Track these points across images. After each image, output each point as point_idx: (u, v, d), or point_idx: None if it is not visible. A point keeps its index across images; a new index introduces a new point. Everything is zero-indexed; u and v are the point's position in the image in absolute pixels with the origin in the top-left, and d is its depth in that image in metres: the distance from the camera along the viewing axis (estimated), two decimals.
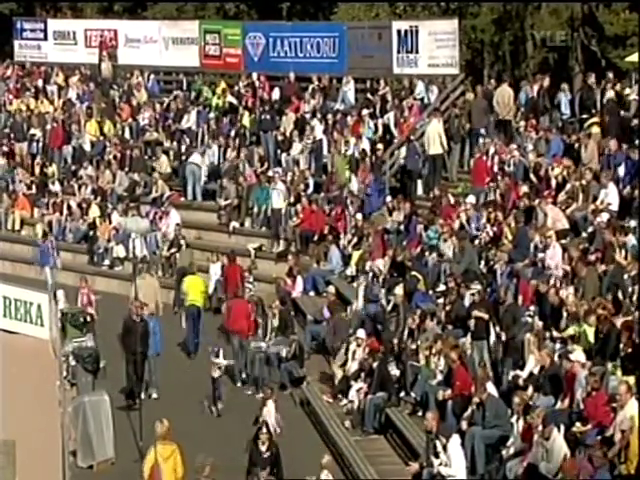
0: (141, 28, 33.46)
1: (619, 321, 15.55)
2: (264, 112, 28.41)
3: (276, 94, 29.13)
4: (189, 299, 21.82)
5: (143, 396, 18.38)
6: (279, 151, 27.60)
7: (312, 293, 22.90)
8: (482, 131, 24.63)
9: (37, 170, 30.20)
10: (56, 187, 29.38)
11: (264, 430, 15.27)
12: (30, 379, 14.26)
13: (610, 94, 22.24)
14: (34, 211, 29.33)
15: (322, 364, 20.32)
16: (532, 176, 21.54)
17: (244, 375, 19.93)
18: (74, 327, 20.36)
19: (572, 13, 31.46)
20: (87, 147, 30.37)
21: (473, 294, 17.84)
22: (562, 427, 13.80)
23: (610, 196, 19.19)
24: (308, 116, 27.69)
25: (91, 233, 27.50)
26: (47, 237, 26.16)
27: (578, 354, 15.13)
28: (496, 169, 22.67)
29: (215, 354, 18.84)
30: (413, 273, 20.15)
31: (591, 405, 13.97)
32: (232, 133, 28.57)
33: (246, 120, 28.65)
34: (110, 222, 27.36)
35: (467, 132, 24.84)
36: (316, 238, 24.11)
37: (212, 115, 29.51)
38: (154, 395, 19.11)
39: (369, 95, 27.46)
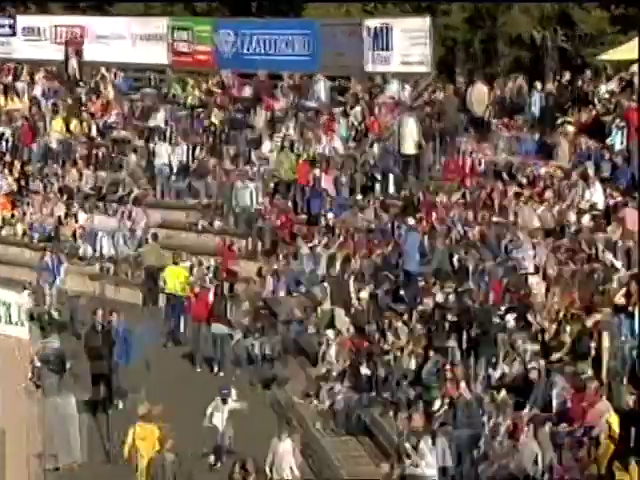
0: (109, 25, 33.35)
1: (591, 321, 15.71)
2: (235, 110, 28.40)
3: (247, 92, 29.14)
4: (167, 288, 22.31)
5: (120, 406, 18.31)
6: (250, 149, 27.61)
7: (283, 293, 22.94)
8: (455, 130, 24.76)
9: (18, 168, 30.00)
10: (36, 185, 29.21)
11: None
12: (15, 375, 14.48)
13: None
14: (15, 210, 29.06)
15: (294, 364, 20.37)
16: (504, 175, 21.68)
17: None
18: (39, 328, 20.29)
19: (544, 11, 31.70)
20: (53, 145, 30.24)
21: (448, 293, 17.93)
22: (532, 427, 13.91)
23: (596, 196, 19.35)
24: (280, 114, 27.73)
25: (57, 231, 27.39)
26: (45, 252, 25.47)
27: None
28: (468, 168, 22.80)
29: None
30: (385, 272, 20.23)
31: (575, 405, 14.09)
32: (202, 131, 28.55)
33: (216, 118, 28.64)
34: (77, 221, 27.27)
35: (439, 131, 24.95)
36: (286, 238, 24.18)
37: (182, 113, 29.47)
38: (120, 406, 18.69)
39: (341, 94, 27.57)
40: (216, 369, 20.72)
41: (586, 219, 18.47)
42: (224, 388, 16.31)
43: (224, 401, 16.13)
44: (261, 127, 27.65)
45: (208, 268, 22.70)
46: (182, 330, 22.15)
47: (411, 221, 21.43)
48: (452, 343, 17.16)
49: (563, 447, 13.59)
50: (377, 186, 24.75)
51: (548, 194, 20.04)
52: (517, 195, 20.25)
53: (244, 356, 20.34)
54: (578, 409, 13.98)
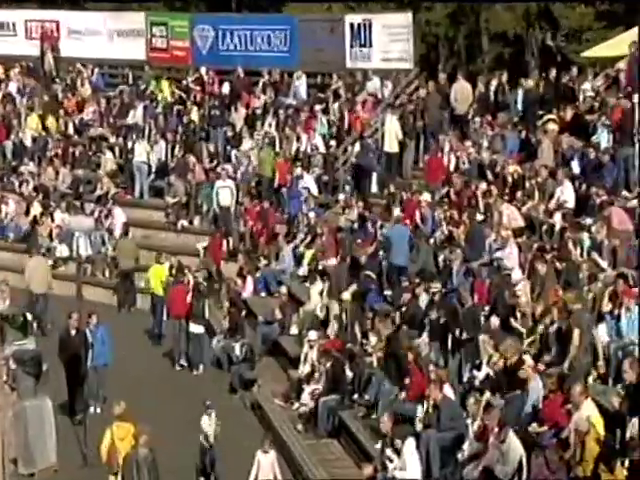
0: (84, 19, 33.22)
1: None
2: (213, 107, 28.38)
3: (226, 88, 29.11)
4: (151, 287, 22.58)
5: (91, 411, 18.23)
6: (229, 147, 27.58)
7: (263, 294, 22.94)
8: (437, 127, 24.81)
9: None
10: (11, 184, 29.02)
11: None
12: None
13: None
14: None
15: (273, 366, 20.36)
16: (488, 173, 21.75)
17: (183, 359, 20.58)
18: (14, 329, 20.17)
19: (527, 7, 31.81)
20: (28, 142, 30.09)
21: (434, 293, 17.94)
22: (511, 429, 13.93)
23: (566, 194, 19.43)
24: (259, 111, 27.72)
25: (33, 231, 27.27)
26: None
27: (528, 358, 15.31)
28: (451, 167, 22.86)
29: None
30: (367, 272, 20.25)
31: (549, 407, 14.14)
32: (180, 129, 28.50)
33: (195, 115, 28.59)
34: (53, 220, 27.15)
35: (421, 128, 25.00)
36: (267, 237, 24.17)
37: (159, 110, 29.40)
38: (97, 410, 18.55)
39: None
40: (195, 368, 20.78)
41: (557, 217, 18.53)
42: (208, 406, 16.15)
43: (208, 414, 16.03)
44: (240, 125, 27.62)
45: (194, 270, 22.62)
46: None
47: (397, 212, 21.42)
48: (437, 344, 17.18)
49: (549, 449, 13.61)
50: (360, 185, 24.79)
51: (532, 193, 20.12)
52: (501, 194, 20.30)
53: (224, 357, 20.34)
54: (564, 411, 14.02)
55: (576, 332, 15.15)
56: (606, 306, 15.70)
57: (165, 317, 22.17)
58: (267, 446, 15.30)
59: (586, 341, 15.06)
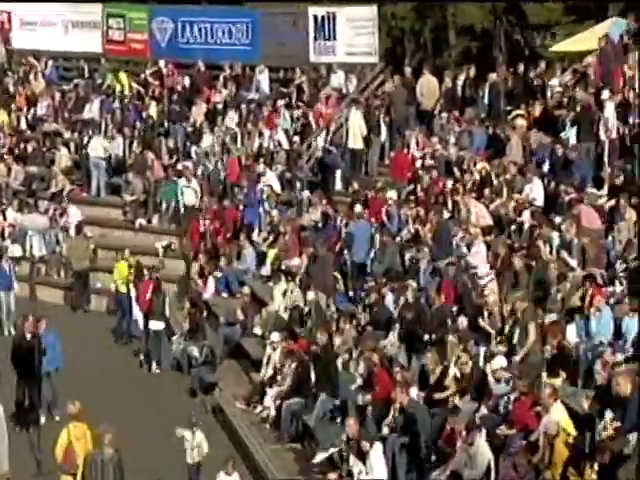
0: (39, 11, 32.96)
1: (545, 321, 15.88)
2: (172, 102, 28.27)
3: (185, 82, 29.01)
4: (116, 285, 22.67)
5: (44, 419, 18.08)
6: (189, 143, 27.49)
7: (225, 294, 22.89)
8: (403, 123, 24.88)
9: None
10: None
11: None
12: None
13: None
14: None
15: (235, 369, 20.33)
16: (455, 170, 21.84)
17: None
18: None
19: (495, 1, 31.97)
20: None
21: (399, 293, 17.98)
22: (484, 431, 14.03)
23: (535, 191, 19.55)
24: (220, 106, 27.66)
25: None
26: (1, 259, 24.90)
27: (500, 359, 15.38)
28: (418, 163, 22.93)
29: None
30: (333, 273, 20.25)
31: (519, 410, 14.22)
32: (138, 124, 28.37)
33: (153, 110, 28.47)
34: (5, 219, 26.91)
35: (387, 124, 25.06)
36: (229, 236, 24.12)
37: (116, 104, 29.25)
38: (57, 418, 18.22)
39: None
40: (155, 367, 20.84)
41: (526, 215, 18.65)
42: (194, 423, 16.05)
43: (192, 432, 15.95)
44: (200, 120, 27.55)
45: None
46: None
47: (358, 209, 21.47)
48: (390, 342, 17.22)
49: (517, 452, 13.69)
50: (324, 182, 24.80)
51: (500, 190, 20.24)
52: (468, 191, 20.38)
53: (184, 360, 20.28)
54: (522, 413, 14.11)
55: (532, 326, 15.28)
56: (576, 306, 15.82)
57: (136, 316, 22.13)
58: (230, 468, 15.18)
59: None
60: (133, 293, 22.20)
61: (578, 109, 20.50)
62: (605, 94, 20.36)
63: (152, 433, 16.64)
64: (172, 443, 16.11)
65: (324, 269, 19.95)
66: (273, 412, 17.60)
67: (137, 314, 21.88)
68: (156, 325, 20.90)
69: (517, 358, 15.22)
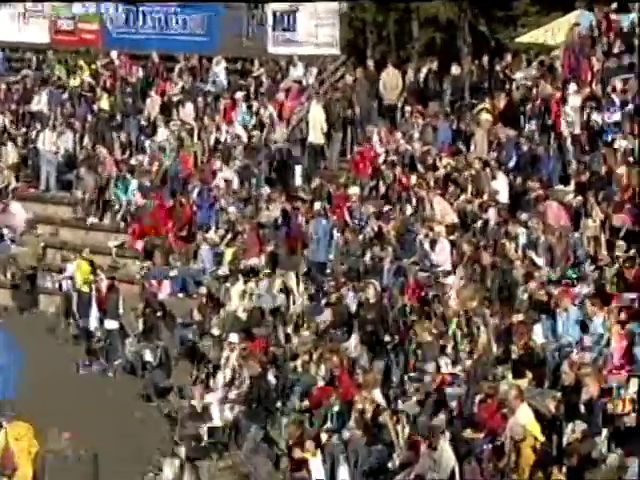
0: None
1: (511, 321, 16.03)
2: (125, 94, 28.17)
3: (139, 74, 28.92)
4: (77, 284, 22.66)
5: None
6: (143, 137, 27.42)
7: (181, 294, 22.88)
8: (365, 117, 24.97)
9: None
10: None
11: None
12: None
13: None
14: None
15: (192, 371, 20.32)
16: (419, 166, 21.97)
17: None
18: None
19: None
20: None
21: (361, 293, 18.06)
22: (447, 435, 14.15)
23: (500, 187, 19.71)
24: (175, 99, 27.60)
25: None
26: None
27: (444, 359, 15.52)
28: (380, 159, 23.03)
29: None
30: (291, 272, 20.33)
31: (485, 412, 14.35)
32: (89, 117, 28.25)
33: (105, 103, 28.36)
34: None
35: (349, 118, 25.14)
36: (185, 234, 24.10)
37: (66, 97, 29.10)
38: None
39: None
40: (107, 369, 20.87)
41: (491, 212, 18.81)
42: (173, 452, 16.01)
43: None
44: (155, 113, 27.48)
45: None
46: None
47: (318, 206, 21.54)
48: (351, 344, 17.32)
49: (483, 456, 13.82)
50: (283, 177, 24.84)
51: (458, 185, 20.40)
52: (433, 187, 20.51)
53: (138, 362, 20.23)
54: (487, 415, 14.23)
55: (483, 328, 15.46)
56: (542, 306, 15.99)
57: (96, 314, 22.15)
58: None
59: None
60: (94, 292, 22.20)
61: (539, 103, 20.67)
62: (571, 87, 20.58)
63: (103, 441, 16.59)
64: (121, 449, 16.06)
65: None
66: (230, 417, 17.59)
67: (95, 314, 21.87)
68: (110, 325, 20.86)
69: (468, 363, 15.35)
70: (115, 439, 16.82)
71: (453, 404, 14.82)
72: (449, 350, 15.86)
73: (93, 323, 21.92)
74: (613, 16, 21.49)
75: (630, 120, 18.51)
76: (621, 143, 18.12)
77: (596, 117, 19.46)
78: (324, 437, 15.33)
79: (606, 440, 12.83)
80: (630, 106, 18.91)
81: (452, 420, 14.64)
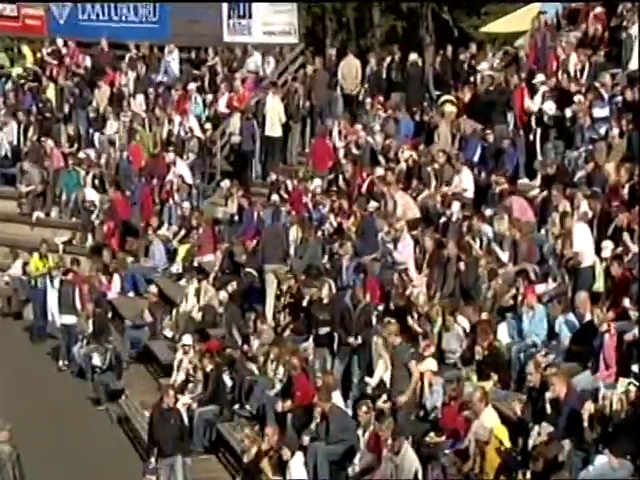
0: None
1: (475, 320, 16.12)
2: (73, 84, 28.00)
3: (87, 63, 28.76)
4: (32, 278, 22.77)
5: None
6: (91, 130, 27.28)
7: (131, 294, 22.78)
8: (325, 109, 24.99)
9: None
10: None
11: None
12: None
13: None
14: None
15: (143, 374, 20.25)
16: (381, 159, 22.02)
17: None
18: None
19: None
20: None
21: (321, 291, 18.07)
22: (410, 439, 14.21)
23: (464, 182, 19.81)
24: (125, 90, 27.48)
25: None
26: None
27: (430, 362, 15.59)
28: (340, 152, 23.06)
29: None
30: (248, 270, 20.31)
31: (448, 415, 14.42)
32: (34, 108, 28.05)
33: (51, 93, 28.18)
34: None
35: (308, 110, 25.15)
36: (112, 231, 24.02)
37: (10, 86, 28.87)
38: None
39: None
40: (62, 363, 20.91)
41: (455, 207, 18.92)
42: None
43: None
44: (104, 105, 27.35)
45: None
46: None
47: (275, 197, 21.52)
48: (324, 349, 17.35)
49: (446, 461, 13.90)
50: (240, 171, 24.81)
51: (428, 181, 20.48)
52: (395, 181, 20.56)
53: (87, 365, 20.14)
54: (450, 418, 14.31)
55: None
56: (507, 304, 16.09)
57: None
58: None
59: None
60: (49, 288, 22.14)
61: (517, 95, 20.79)
62: (538, 78, 20.71)
63: (50, 449, 16.55)
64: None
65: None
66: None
67: (53, 310, 21.83)
68: (68, 319, 20.91)
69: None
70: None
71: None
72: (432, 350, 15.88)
73: (50, 319, 21.92)
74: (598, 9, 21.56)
75: (618, 115, 18.67)
76: (614, 134, 18.20)
77: (574, 108, 19.53)
78: (306, 439, 15.33)
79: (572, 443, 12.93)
80: (619, 100, 19.06)
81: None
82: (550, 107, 19.84)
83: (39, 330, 22.44)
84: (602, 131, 18.74)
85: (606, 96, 19.17)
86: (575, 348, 14.59)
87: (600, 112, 19.03)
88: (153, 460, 15.54)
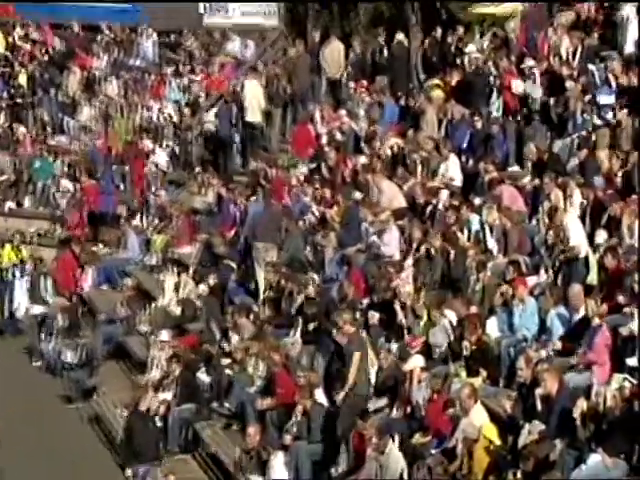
0: None
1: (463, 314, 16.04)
2: (44, 68, 27.84)
3: (59, 46, 28.63)
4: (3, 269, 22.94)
5: None
6: (63, 115, 27.15)
7: (105, 286, 22.65)
8: (307, 94, 24.89)
9: None
10: None
11: None
12: None
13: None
14: None
15: (117, 372, 20.11)
16: (365, 146, 21.93)
17: None
18: None
19: None
20: None
21: (303, 284, 17.99)
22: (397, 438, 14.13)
23: (452, 170, 19.73)
24: (99, 74, 27.36)
25: None
26: None
27: (416, 359, 15.50)
28: (323, 139, 22.97)
29: None
30: (226, 261, 20.21)
31: (432, 412, 14.34)
32: (5, 94, 27.91)
33: (23, 79, 28.05)
34: None
35: (289, 95, 25.04)
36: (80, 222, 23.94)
37: None
38: None
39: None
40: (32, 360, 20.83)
41: (443, 197, 18.85)
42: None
43: None
44: (76, 89, 27.21)
45: None
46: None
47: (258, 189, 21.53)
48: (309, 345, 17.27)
49: (433, 461, 13.83)
50: (218, 159, 24.70)
51: (414, 169, 20.41)
52: (380, 170, 20.46)
53: (58, 362, 20.03)
54: (435, 415, 14.24)
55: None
56: (497, 298, 15.99)
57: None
58: None
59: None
60: (17, 279, 22.08)
61: (507, 79, 20.71)
62: (527, 63, 20.62)
63: (18, 451, 16.46)
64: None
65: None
66: (159, 420, 17.45)
67: (21, 301, 21.76)
68: (38, 309, 20.92)
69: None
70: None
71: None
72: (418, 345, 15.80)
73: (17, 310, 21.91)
74: None
75: (617, 101, 18.61)
76: (622, 118, 18.12)
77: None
78: (287, 438, 15.23)
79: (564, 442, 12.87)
80: (613, 86, 18.99)
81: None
82: (537, 93, 19.77)
83: (6, 326, 22.33)
84: (609, 116, 18.62)
85: (614, 83, 19.05)
86: (568, 343, 14.51)
87: (606, 99, 18.91)
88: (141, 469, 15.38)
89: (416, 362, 15.36)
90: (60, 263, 22.31)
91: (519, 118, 20.33)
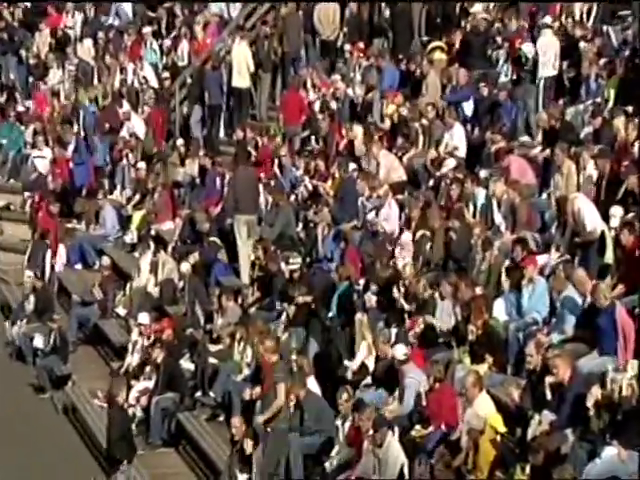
0: None
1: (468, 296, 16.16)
2: (7, 27, 27.84)
3: (25, 5, 28.65)
4: None
5: None
6: (32, 79, 27.15)
7: (79, 266, 22.71)
8: (298, 57, 24.92)
9: None
10: None
11: None
12: None
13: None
14: None
15: (93, 358, 20.20)
16: (362, 114, 22.00)
17: None
18: None
19: None
20: None
21: (292, 270, 18.07)
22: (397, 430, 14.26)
23: (456, 139, 19.82)
24: (71, 33, 27.36)
25: None
26: None
27: (399, 348, 15.60)
28: (316, 105, 23.03)
29: None
30: (212, 239, 20.30)
31: (434, 401, 14.47)
32: None
33: None
34: None
35: (279, 57, 25.08)
36: (84, 194, 23.94)
37: None
38: None
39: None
40: None
41: (446, 169, 18.95)
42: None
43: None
44: (45, 51, 27.22)
45: None
46: None
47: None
48: (300, 329, 17.38)
49: (420, 454, 13.95)
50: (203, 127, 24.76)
51: (415, 138, 20.50)
52: (378, 139, 20.57)
53: (28, 347, 20.12)
54: (438, 405, 14.35)
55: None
56: (505, 279, 16.11)
57: None
58: None
59: None
60: None
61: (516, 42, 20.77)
62: (546, 19, 20.66)
63: None
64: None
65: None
66: (140, 411, 17.59)
67: None
68: None
69: None
70: None
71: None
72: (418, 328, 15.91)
73: None
74: None
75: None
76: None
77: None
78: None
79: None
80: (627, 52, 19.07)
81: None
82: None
83: None
84: None
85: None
86: (581, 327, 14.62)
87: None
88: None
89: (397, 352, 15.31)
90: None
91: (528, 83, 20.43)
